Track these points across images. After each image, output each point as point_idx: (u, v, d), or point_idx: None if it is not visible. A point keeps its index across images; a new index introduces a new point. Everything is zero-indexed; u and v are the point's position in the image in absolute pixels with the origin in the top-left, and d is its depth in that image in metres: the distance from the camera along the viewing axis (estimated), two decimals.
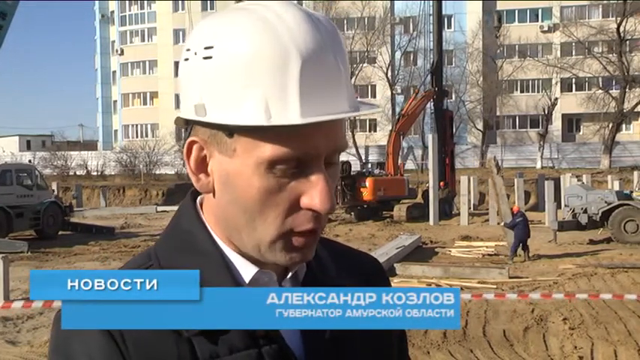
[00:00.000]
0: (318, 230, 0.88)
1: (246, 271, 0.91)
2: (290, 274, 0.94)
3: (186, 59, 0.87)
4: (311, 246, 0.89)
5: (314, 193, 0.84)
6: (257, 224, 0.86)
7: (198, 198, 0.97)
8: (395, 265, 13.27)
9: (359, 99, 0.90)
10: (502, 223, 16.16)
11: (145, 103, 61.50)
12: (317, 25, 0.84)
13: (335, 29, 0.86)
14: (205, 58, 0.84)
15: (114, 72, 64.46)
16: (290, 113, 0.81)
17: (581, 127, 52.68)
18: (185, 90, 0.88)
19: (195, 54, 0.85)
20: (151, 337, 0.84)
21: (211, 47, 0.84)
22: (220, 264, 0.90)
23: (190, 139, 0.89)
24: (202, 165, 0.89)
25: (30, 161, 30.62)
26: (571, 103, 50.96)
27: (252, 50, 0.81)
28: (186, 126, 0.92)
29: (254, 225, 0.86)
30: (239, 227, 0.88)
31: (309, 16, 0.84)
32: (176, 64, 60.06)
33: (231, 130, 0.84)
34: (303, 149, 0.83)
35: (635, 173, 30.52)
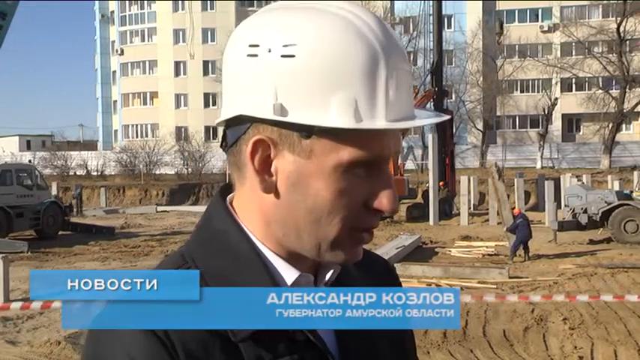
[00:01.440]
0: (375, 228, 0.90)
1: (288, 274, 0.89)
2: (328, 276, 0.94)
3: (253, 55, 0.84)
4: (365, 244, 0.91)
5: (383, 196, 0.86)
6: (322, 224, 0.86)
7: (228, 197, 0.95)
8: (395, 265, 13.26)
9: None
10: (504, 229, 16.15)
11: (145, 103, 61.46)
12: (386, 26, 0.85)
13: (395, 32, 0.88)
14: (285, 56, 0.82)
15: (114, 72, 64.42)
16: (378, 117, 0.82)
17: (581, 127, 52.68)
18: (250, 87, 0.85)
19: (269, 51, 0.82)
20: (199, 342, 0.83)
21: (293, 45, 0.81)
22: (260, 267, 0.88)
23: (257, 137, 0.85)
24: (266, 164, 0.87)
25: (30, 161, 30.65)
26: (571, 103, 50.96)
27: (340, 50, 0.80)
28: (227, 124, 0.90)
29: (319, 225, 0.86)
30: (302, 226, 0.86)
31: (377, 16, 0.86)
32: (176, 64, 60.64)
33: (310, 132, 0.83)
34: (378, 152, 0.85)
35: (635, 173, 30.52)
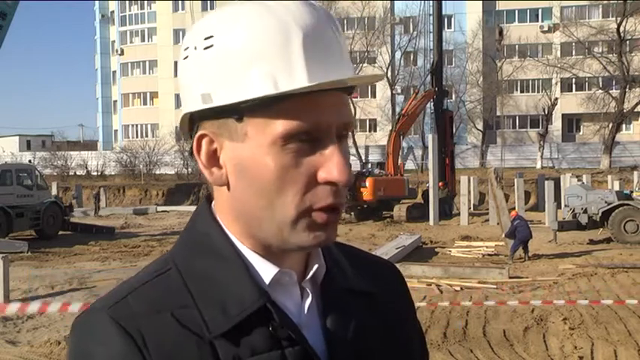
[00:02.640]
0: (339, 207, 0.87)
1: (267, 271, 0.89)
2: (311, 274, 0.92)
3: (186, 57, 0.88)
4: (334, 225, 0.88)
5: (330, 165, 0.84)
6: (276, 206, 0.85)
7: (212, 203, 0.96)
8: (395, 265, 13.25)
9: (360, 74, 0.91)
10: (503, 235, 16.17)
11: (145, 103, 61.47)
12: (312, 5, 0.86)
13: (328, 11, 0.88)
14: (206, 48, 0.85)
15: (114, 72, 64.44)
16: (297, 79, 0.82)
17: (581, 127, 52.68)
18: (188, 87, 0.88)
19: (195, 48, 0.86)
20: (173, 340, 0.83)
21: (211, 37, 0.85)
22: (240, 265, 0.88)
23: (199, 133, 0.88)
24: (214, 158, 0.89)
25: (30, 161, 30.60)
26: (571, 103, 50.96)
27: (252, 29, 0.83)
28: (190, 131, 0.92)
29: (273, 208, 0.85)
30: (258, 214, 0.86)
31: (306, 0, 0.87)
32: (176, 64, 60.06)
33: (240, 114, 0.84)
34: (313, 120, 0.83)
35: (635, 173, 30.53)
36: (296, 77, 0.82)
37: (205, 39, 0.85)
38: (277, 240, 0.87)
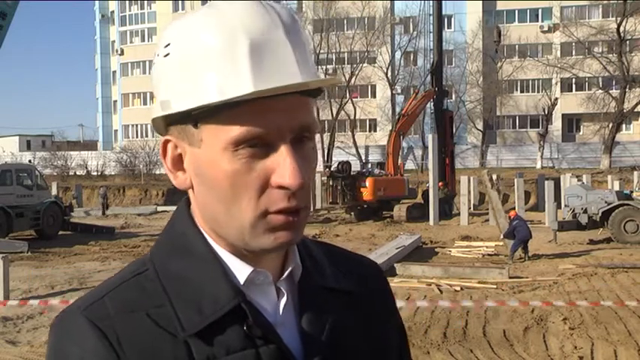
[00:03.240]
0: (298, 209, 0.87)
1: (241, 271, 0.90)
2: (285, 274, 0.93)
3: (154, 64, 0.91)
4: (296, 226, 0.88)
5: (282, 169, 0.84)
6: (233, 211, 0.86)
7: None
8: (395, 265, 13.27)
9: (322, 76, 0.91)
10: (501, 236, 16.18)
11: (145, 103, 61.47)
12: (267, 8, 0.86)
13: (290, 12, 0.89)
14: (165, 55, 0.88)
15: (114, 72, 64.46)
16: (243, 86, 0.82)
17: (581, 127, 52.68)
18: (155, 92, 0.91)
19: (158, 55, 0.89)
20: (147, 339, 0.85)
21: (168, 45, 0.87)
22: (215, 265, 0.90)
23: (164, 138, 0.91)
24: (179, 162, 0.91)
25: (30, 161, 30.63)
26: (571, 103, 50.96)
27: (201, 37, 0.84)
28: (165, 133, 0.94)
29: (231, 213, 0.86)
30: (219, 218, 0.88)
31: (261, 2, 0.87)
32: None
33: (195, 120, 0.86)
34: (263, 126, 0.84)
35: (635, 173, 30.50)
36: (242, 84, 0.82)
37: (165, 47, 0.88)
38: (240, 242, 0.88)
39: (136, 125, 61.04)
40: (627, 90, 41.99)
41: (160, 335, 0.85)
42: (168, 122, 0.90)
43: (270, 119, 0.84)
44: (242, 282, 0.89)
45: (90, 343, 0.84)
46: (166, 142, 0.91)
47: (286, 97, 0.84)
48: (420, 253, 16.40)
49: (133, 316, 0.86)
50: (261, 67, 0.83)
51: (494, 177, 18.41)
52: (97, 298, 0.89)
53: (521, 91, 53.64)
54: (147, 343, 0.85)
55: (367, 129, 54.26)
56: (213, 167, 0.86)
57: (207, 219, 0.91)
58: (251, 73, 0.82)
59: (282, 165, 0.84)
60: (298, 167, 0.85)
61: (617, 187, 23.93)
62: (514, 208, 17.70)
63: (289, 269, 0.94)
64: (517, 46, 51.08)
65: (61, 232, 22.03)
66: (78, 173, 48.20)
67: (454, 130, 34.05)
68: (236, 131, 0.83)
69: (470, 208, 27.31)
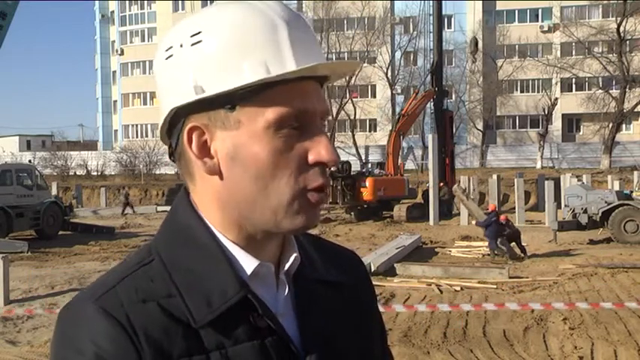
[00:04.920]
0: (326, 188, 0.93)
1: (247, 263, 0.93)
2: (287, 266, 0.97)
3: (169, 57, 0.91)
4: (321, 207, 0.93)
5: (319, 147, 0.90)
6: (270, 190, 0.89)
7: (191, 194, 0.99)
8: (395, 265, 13.26)
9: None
10: (474, 222, 16.38)
11: (145, 103, 61.47)
12: (285, 4, 0.94)
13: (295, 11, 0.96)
14: (194, 44, 0.89)
15: (114, 72, 64.45)
16: (287, 65, 0.88)
17: (581, 127, 52.69)
18: (173, 84, 0.91)
19: (181, 46, 0.90)
20: (161, 328, 0.87)
21: (198, 33, 0.89)
22: (221, 257, 0.92)
23: (189, 126, 0.91)
24: (205, 149, 0.92)
25: (30, 161, 30.61)
26: (571, 103, 50.96)
27: (241, 23, 0.88)
28: (170, 132, 0.95)
29: (267, 192, 0.89)
30: (252, 200, 0.90)
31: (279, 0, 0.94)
32: None
33: (233, 102, 0.88)
34: (301, 106, 0.89)
35: (635, 173, 30.50)
36: (286, 63, 0.88)
37: (192, 36, 0.89)
38: (269, 224, 0.91)
39: (136, 125, 61.03)
40: (627, 90, 42.00)
41: (172, 324, 0.87)
42: (190, 111, 0.91)
43: (307, 100, 0.90)
44: (248, 274, 0.92)
45: (105, 331, 0.85)
46: (192, 129, 0.91)
47: (313, 83, 0.92)
48: (420, 253, 16.39)
49: (146, 306, 0.88)
50: (299, 50, 0.89)
51: (464, 188, 18.67)
52: (108, 288, 0.90)
53: (521, 91, 53.65)
54: (160, 331, 0.87)
55: (367, 129, 54.26)
56: (253, 147, 0.89)
57: (228, 205, 0.92)
58: (292, 54, 0.88)
59: (318, 143, 0.90)
60: (332, 145, 0.91)
61: (617, 187, 23.91)
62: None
63: (291, 260, 0.97)
64: (517, 46, 51.09)
65: (61, 232, 22.02)
66: (78, 173, 48.22)
67: (454, 130, 34.04)
68: (278, 112, 0.88)
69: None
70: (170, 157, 0.99)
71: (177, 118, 0.93)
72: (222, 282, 0.90)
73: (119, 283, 0.90)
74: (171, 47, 0.91)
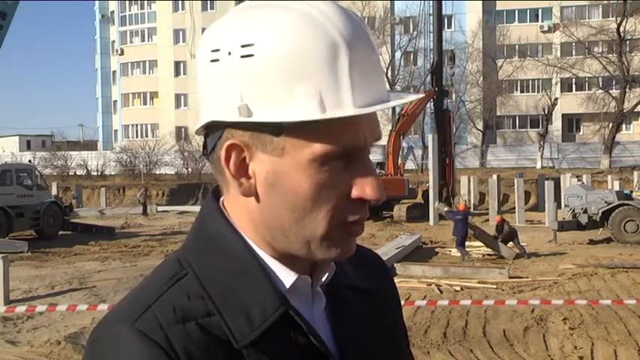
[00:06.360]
0: (364, 220, 0.88)
1: (286, 277, 0.88)
2: (324, 279, 0.93)
3: (215, 60, 0.84)
4: (356, 237, 0.89)
5: (365, 184, 0.84)
6: (306, 222, 0.84)
7: (221, 199, 0.93)
8: (395, 265, 13.27)
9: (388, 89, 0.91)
10: (445, 209, 16.53)
11: (145, 103, 61.47)
12: (351, 16, 0.84)
13: (362, 20, 0.87)
14: (244, 56, 0.81)
15: (114, 72, 64.43)
16: (344, 105, 0.80)
17: (581, 127, 52.68)
18: (216, 93, 0.85)
19: (229, 54, 0.82)
20: (202, 350, 0.82)
21: (251, 45, 0.80)
22: (259, 271, 0.87)
23: (229, 142, 0.85)
24: (243, 168, 0.86)
25: (30, 161, 30.60)
26: (571, 103, 50.96)
27: (299, 44, 0.79)
28: (205, 134, 0.90)
29: (303, 223, 0.84)
30: (286, 228, 0.85)
31: (341, 7, 0.84)
32: (176, 64, 60.66)
33: (279, 129, 0.82)
34: (353, 141, 0.83)
35: (635, 173, 30.52)
36: (343, 103, 0.80)
37: (243, 46, 0.81)
38: (302, 252, 0.87)
39: (136, 125, 61.01)
40: (627, 90, 42.01)
41: (214, 346, 0.83)
42: (232, 125, 0.84)
43: (360, 134, 0.83)
44: (287, 287, 0.88)
45: (146, 356, 0.79)
46: (231, 146, 0.85)
47: (372, 112, 0.84)
48: (420, 253, 16.39)
49: (186, 327, 0.83)
50: (359, 82, 0.81)
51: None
52: (145, 308, 0.84)
53: (521, 91, 53.65)
54: (203, 354, 0.82)
55: None
56: (295, 178, 0.83)
57: (263, 227, 0.87)
58: (351, 92, 0.80)
59: (364, 179, 0.84)
60: (379, 180, 0.85)
61: (617, 187, 23.93)
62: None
63: (327, 274, 0.93)
64: (517, 46, 51.09)
65: (61, 232, 22.03)
66: (78, 173, 48.20)
67: (454, 130, 34.05)
68: (326, 148, 0.81)
69: (470, 208, 27.31)
70: (203, 154, 0.92)
71: (216, 125, 0.87)
72: (260, 297, 0.85)
73: (156, 302, 0.84)
74: (218, 50, 0.83)
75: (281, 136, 0.82)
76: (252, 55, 0.80)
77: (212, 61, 0.84)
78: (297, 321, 0.86)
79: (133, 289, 0.92)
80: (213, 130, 0.88)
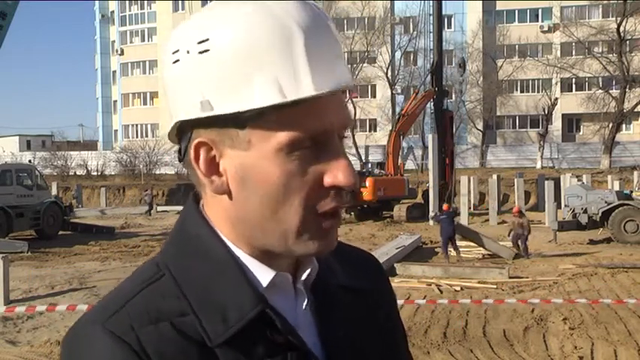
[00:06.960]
0: (340, 210, 0.86)
1: (264, 275, 0.87)
2: (305, 275, 0.90)
3: (176, 61, 0.84)
4: (336, 229, 0.87)
5: (336, 170, 0.83)
6: (281, 214, 0.83)
7: (201, 202, 0.92)
8: (395, 265, 13.26)
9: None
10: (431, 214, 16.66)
11: (145, 103, 61.48)
12: (309, 4, 0.83)
13: (322, 9, 0.86)
14: (201, 52, 0.81)
15: (114, 72, 64.45)
16: (303, 87, 0.79)
17: (581, 127, 52.67)
18: (181, 93, 0.84)
19: (188, 52, 0.82)
20: (175, 350, 0.81)
21: (206, 40, 0.81)
22: (235, 269, 0.86)
23: (196, 141, 0.84)
24: (213, 166, 0.85)
25: (30, 161, 30.61)
26: (571, 103, 50.95)
27: (253, 33, 0.79)
28: (179, 138, 0.89)
29: (277, 216, 0.83)
30: (261, 223, 0.84)
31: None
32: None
33: (243, 122, 0.81)
34: (319, 126, 0.81)
35: (635, 173, 30.53)
36: (302, 85, 0.79)
37: (199, 43, 0.81)
38: (281, 248, 0.85)
39: (136, 125, 61.03)
40: (627, 90, 42.01)
41: (188, 346, 0.82)
42: (197, 124, 0.84)
43: (325, 119, 0.82)
44: (265, 286, 0.86)
45: (115, 357, 0.79)
46: (199, 145, 0.84)
47: (335, 95, 0.83)
48: (420, 253, 16.40)
49: (158, 327, 0.82)
50: (318, 64, 0.80)
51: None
52: (117, 309, 0.83)
53: (521, 91, 53.64)
54: (175, 354, 0.81)
55: (367, 129, 54.24)
56: (263, 170, 0.82)
57: (239, 224, 0.86)
58: (310, 74, 0.79)
59: (336, 165, 0.83)
60: (351, 166, 0.84)
61: (617, 187, 23.94)
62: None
63: (308, 270, 0.91)
64: (517, 46, 51.09)
65: (61, 232, 22.04)
66: (78, 173, 48.22)
67: (454, 130, 34.05)
68: (291, 134, 0.80)
69: (470, 208, 27.32)
70: (179, 159, 0.91)
71: (184, 127, 0.86)
72: (237, 296, 0.84)
73: (128, 303, 0.84)
74: (177, 51, 0.83)
75: (246, 129, 0.81)
76: (208, 50, 0.80)
77: (173, 62, 0.84)
78: (273, 319, 0.84)
79: (110, 291, 0.91)
80: (183, 133, 0.87)
